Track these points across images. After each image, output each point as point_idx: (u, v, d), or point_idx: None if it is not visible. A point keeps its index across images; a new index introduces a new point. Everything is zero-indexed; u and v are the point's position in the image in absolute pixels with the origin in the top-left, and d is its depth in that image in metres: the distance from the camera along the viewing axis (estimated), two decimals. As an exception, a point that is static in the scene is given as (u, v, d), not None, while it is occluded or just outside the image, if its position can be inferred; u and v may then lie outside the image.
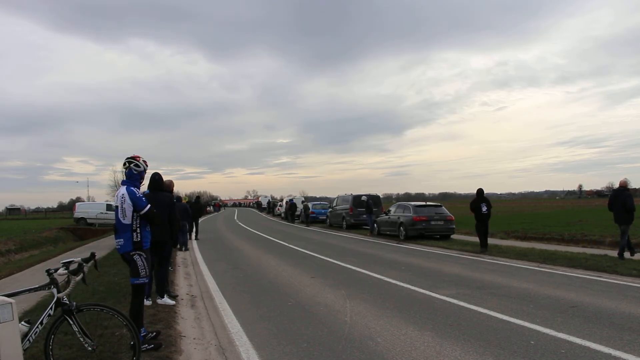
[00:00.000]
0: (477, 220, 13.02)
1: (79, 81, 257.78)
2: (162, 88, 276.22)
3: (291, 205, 35.08)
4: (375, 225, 20.01)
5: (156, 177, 6.60)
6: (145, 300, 6.32)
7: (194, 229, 17.91)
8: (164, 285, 6.94)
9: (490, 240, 13.77)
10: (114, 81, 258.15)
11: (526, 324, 5.28)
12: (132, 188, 4.51)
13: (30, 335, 3.52)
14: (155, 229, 5.03)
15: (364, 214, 22.17)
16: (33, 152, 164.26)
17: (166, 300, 6.70)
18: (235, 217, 44.42)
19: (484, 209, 12.86)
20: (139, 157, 4.71)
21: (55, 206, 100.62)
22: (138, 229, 4.48)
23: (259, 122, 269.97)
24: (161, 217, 5.63)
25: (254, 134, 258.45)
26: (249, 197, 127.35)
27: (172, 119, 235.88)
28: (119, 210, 4.45)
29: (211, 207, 67.12)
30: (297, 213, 34.32)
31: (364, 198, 22.40)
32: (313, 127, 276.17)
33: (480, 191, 13.36)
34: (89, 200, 58.18)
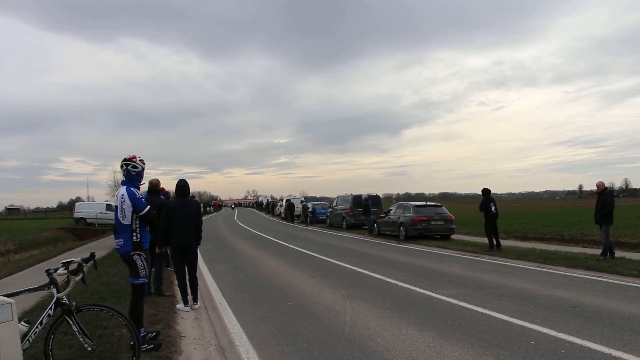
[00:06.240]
0: (488, 219, 13.20)
1: (75, 81, 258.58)
2: (158, 88, 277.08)
3: (289, 205, 35.09)
4: (375, 225, 19.99)
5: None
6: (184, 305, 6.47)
7: None
8: (160, 283, 7.43)
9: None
10: (110, 80, 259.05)
11: (526, 324, 5.28)
12: (132, 189, 4.50)
13: (30, 335, 3.51)
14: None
15: (362, 214, 22.14)
16: (30, 152, 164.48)
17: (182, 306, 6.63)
18: (235, 217, 44.41)
19: (493, 208, 13.16)
20: (135, 157, 4.65)
21: (54, 206, 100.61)
22: (137, 229, 4.47)
23: (255, 122, 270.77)
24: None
25: (251, 134, 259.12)
26: (249, 197, 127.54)
27: (169, 119, 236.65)
28: (119, 210, 4.44)
29: (211, 207, 67.15)
30: (297, 213, 34.36)
31: (365, 197, 22.39)
32: (310, 127, 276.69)
33: (486, 191, 13.45)
34: (88, 200, 58.15)
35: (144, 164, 4.70)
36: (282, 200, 49.06)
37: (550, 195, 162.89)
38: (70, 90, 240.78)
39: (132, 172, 4.61)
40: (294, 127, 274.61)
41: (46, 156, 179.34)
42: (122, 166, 4.62)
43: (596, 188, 10.77)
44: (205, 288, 8.17)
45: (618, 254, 10.98)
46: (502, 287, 7.64)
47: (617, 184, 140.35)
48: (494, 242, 12.99)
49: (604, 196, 10.51)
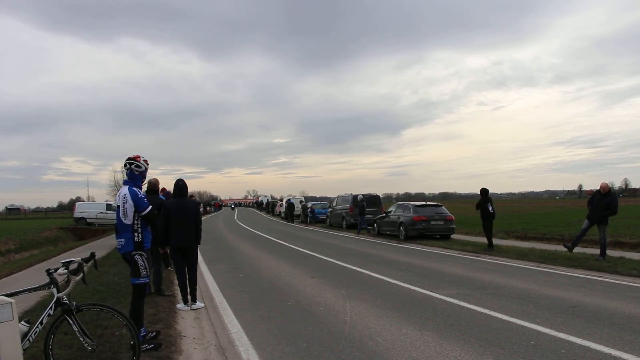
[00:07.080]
0: (485, 220, 13.17)
1: (75, 81, 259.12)
2: (157, 88, 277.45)
3: (289, 205, 35.14)
4: (375, 225, 19.96)
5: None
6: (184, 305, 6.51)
7: None
8: (160, 283, 7.48)
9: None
10: (109, 80, 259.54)
11: (526, 324, 5.28)
12: (134, 189, 4.50)
13: (30, 335, 3.51)
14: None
15: (357, 215, 22.05)
16: (30, 152, 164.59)
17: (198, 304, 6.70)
18: (235, 217, 44.41)
19: (490, 208, 13.14)
20: (139, 157, 4.67)
21: (55, 206, 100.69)
22: (139, 229, 4.47)
23: (255, 122, 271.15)
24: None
25: (251, 134, 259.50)
26: (249, 197, 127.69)
27: (169, 119, 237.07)
28: (121, 210, 4.44)
29: (211, 207, 67.19)
30: (296, 213, 34.38)
31: (360, 198, 22.37)
32: (310, 127, 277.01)
33: (484, 191, 13.45)
34: (88, 200, 58.12)
35: (147, 164, 4.71)
36: (282, 200, 49.08)
37: (550, 195, 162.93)
38: (70, 90, 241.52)
39: (135, 171, 4.61)
40: (293, 127, 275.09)
41: (46, 156, 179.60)
42: (125, 165, 4.63)
43: (601, 189, 10.73)
44: (205, 288, 8.18)
45: (618, 254, 11.01)
46: (502, 287, 7.64)
47: (617, 184, 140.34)
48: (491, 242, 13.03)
49: (610, 197, 10.52)
